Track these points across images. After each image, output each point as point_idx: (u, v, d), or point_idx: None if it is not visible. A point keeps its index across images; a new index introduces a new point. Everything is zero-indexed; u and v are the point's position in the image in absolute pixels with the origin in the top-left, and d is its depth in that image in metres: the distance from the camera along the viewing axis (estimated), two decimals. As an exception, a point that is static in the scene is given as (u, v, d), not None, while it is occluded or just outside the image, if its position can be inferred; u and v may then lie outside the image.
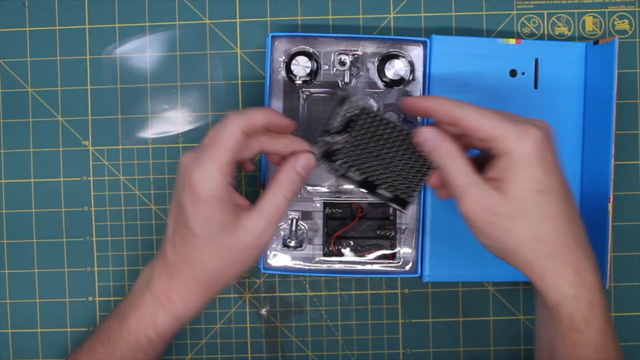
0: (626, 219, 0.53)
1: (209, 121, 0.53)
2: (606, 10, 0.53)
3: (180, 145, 0.53)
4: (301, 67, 0.49)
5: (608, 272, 0.47)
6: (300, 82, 0.50)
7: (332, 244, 0.50)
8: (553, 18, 0.53)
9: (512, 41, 0.50)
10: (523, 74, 0.50)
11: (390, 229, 0.50)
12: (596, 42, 0.49)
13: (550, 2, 0.53)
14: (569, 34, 0.53)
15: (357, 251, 0.50)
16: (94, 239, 0.53)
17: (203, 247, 0.42)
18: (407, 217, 0.51)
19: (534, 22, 0.53)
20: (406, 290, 0.54)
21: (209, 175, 0.41)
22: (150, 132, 0.53)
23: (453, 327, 0.54)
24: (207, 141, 0.42)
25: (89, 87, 0.53)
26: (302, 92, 0.50)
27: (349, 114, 0.45)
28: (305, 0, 0.53)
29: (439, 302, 0.54)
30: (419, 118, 0.50)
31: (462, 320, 0.54)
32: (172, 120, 0.53)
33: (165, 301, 0.44)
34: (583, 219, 0.42)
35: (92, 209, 0.53)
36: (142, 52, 0.53)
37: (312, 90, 0.50)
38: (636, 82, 0.53)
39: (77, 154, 0.53)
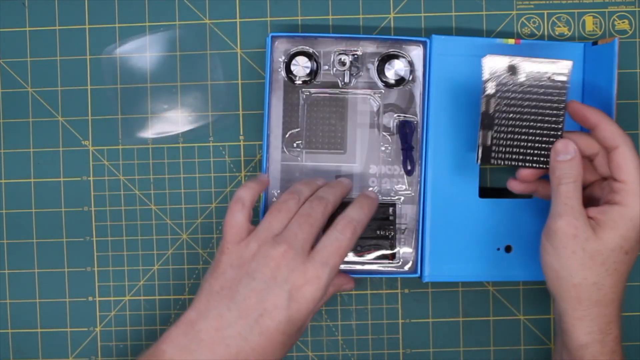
0: (626, 219, 0.53)
1: (209, 121, 0.53)
2: (606, 10, 0.53)
3: (180, 145, 0.53)
4: (301, 67, 0.49)
5: None
6: (300, 82, 0.50)
7: None
8: (553, 18, 0.53)
9: (512, 41, 0.50)
10: None
11: (390, 229, 0.50)
12: (595, 43, 0.49)
13: (550, 2, 0.53)
14: (569, 34, 0.53)
15: (357, 251, 0.50)
16: (94, 239, 0.53)
17: (278, 342, 0.42)
18: (407, 217, 0.51)
19: (534, 22, 0.53)
20: (406, 290, 0.54)
21: (324, 290, 0.43)
22: (150, 132, 0.53)
23: (453, 327, 0.54)
24: (329, 249, 0.43)
25: (89, 87, 0.53)
26: (302, 92, 0.50)
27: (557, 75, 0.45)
28: (305, 0, 0.53)
29: (439, 302, 0.54)
30: (417, 121, 0.50)
31: (462, 320, 0.54)
32: (172, 120, 0.53)
33: None
34: None
35: (92, 209, 0.53)
36: (142, 52, 0.53)
37: (312, 90, 0.50)
38: (636, 82, 0.53)
39: (77, 154, 0.53)
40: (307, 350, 0.54)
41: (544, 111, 0.45)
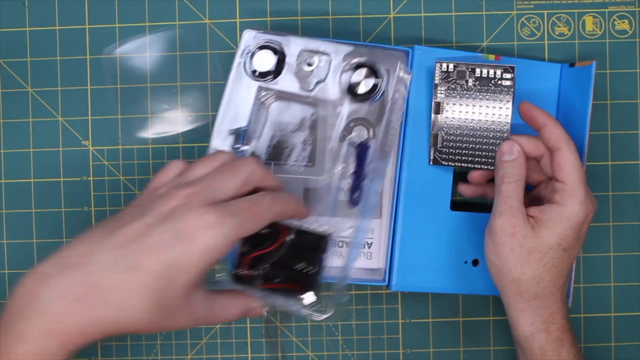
0: (626, 219, 0.53)
1: (208, 121, 0.53)
2: (606, 10, 0.53)
3: (180, 145, 0.53)
4: (264, 61, 0.46)
5: (571, 285, 0.48)
6: (263, 78, 0.46)
7: (246, 266, 0.42)
8: (553, 18, 0.53)
9: (492, 57, 0.49)
10: None
11: (316, 264, 0.42)
12: (572, 65, 0.49)
13: (550, 2, 0.53)
14: (569, 34, 0.53)
15: (267, 281, 0.42)
16: (94, 239, 0.53)
17: (150, 289, 0.35)
18: (374, 231, 0.50)
19: (534, 22, 0.53)
20: (406, 291, 0.54)
21: (223, 242, 0.36)
22: (150, 132, 0.53)
23: (453, 327, 0.54)
24: (243, 204, 0.38)
25: (89, 87, 0.53)
26: (261, 88, 0.47)
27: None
28: (305, 1, 0.53)
29: (439, 302, 0.54)
30: (373, 143, 0.47)
31: (462, 320, 0.54)
32: (172, 120, 0.53)
33: (62, 332, 0.35)
34: None
35: (92, 209, 0.53)
36: (142, 52, 0.53)
37: (275, 87, 0.47)
38: (636, 82, 0.53)
39: (77, 154, 0.53)
40: (307, 350, 0.54)
41: (491, 114, 0.47)
